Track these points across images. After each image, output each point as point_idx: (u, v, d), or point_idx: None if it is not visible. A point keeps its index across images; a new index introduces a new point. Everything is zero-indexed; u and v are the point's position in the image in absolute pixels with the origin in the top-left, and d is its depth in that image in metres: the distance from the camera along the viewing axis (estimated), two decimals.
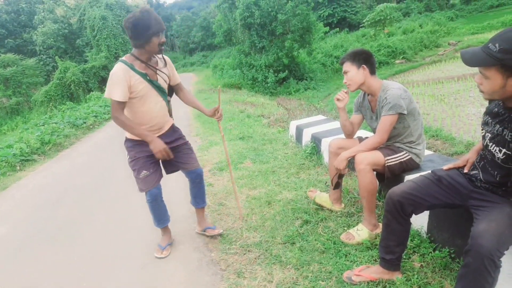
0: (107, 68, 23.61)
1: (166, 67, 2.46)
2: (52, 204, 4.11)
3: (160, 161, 2.54)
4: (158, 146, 2.28)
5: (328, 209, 2.89)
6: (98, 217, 3.54)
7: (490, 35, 20.23)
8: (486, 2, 36.53)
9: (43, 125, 9.48)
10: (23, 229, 3.52)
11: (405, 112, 2.31)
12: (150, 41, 2.18)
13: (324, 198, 2.94)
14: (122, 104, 2.23)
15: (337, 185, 2.75)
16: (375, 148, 2.42)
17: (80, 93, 21.43)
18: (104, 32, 24.01)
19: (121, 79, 2.17)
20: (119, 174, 4.90)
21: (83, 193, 4.34)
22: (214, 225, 2.86)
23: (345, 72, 2.51)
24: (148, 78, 2.28)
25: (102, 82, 22.91)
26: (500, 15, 26.48)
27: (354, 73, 2.46)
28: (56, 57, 23.78)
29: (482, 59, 1.43)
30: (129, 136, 2.44)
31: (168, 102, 2.53)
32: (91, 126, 9.66)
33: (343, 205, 2.90)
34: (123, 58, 2.27)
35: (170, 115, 2.61)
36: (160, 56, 2.42)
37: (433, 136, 5.05)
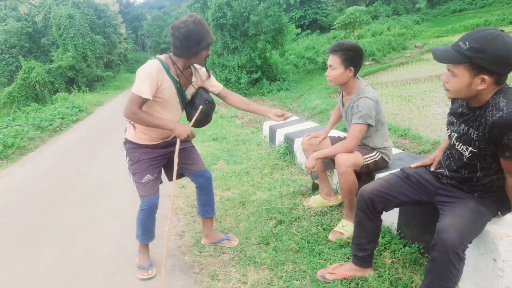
0: (74, 68, 22.81)
1: (197, 78, 2.28)
2: (16, 209, 3.91)
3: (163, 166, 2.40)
4: (184, 130, 2.04)
5: (328, 206, 2.91)
6: (65, 223, 3.40)
7: (453, 38, 21.16)
8: (450, 6, 38.25)
9: (6, 127, 8.98)
10: None
11: (373, 124, 2.36)
12: (198, 55, 2.04)
13: (317, 200, 2.96)
14: (143, 101, 1.98)
15: (316, 187, 2.79)
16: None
17: (45, 94, 20.56)
18: (71, 31, 23.14)
19: (153, 76, 1.97)
20: (87, 178, 4.74)
21: (49, 198, 4.16)
22: (227, 234, 2.64)
23: (330, 66, 2.43)
24: (178, 86, 2.12)
25: (69, 82, 22.11)
26: (462, 19, 27.76)
27: (339, 73, 2.41)
28: (20, 56, 22.66)
29: (452, 56, 1.47)
30: (131, 138, 2.25)
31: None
32: (57, 129, 9.29)
33: (338, 196, 2.93)
34: (160, 57, 2.09)
35: None
36: (203, 68, 2.28)
37: (402, 136, 5.19)
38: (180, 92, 2.16)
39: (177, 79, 2.11)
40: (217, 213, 3.07)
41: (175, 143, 2.22)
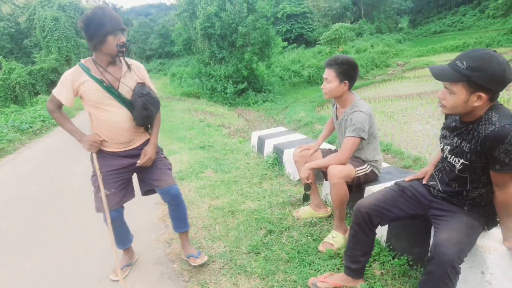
0: (57, 71, 22.45)
1: (131, 73, 2.16)
2: None
3: (138, 179, 2.36)
4: (85, 141, 2.09)
5: (318, 218, 2.91)
6: (47, 228, 3.30)
7: (433, 57, 21.91)
8: (430, 27, 39.77)
9: None
10: None
11: (366, 137, 2.42)
12: (105, 41, 1.96)
13: (306, 211, 2.97)
14: (58, 101, 2.08)
15: (307, 198, 2.81)
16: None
17: (25, 96, 20.11)
18: (55, 34, 22.79)
19: (67, 82, 2.03)
20: (70, 181, 4.63)
21: (29, 202, 4.03)
22: (199, 251, 2.49)
23: (326, 79, 2.51)
24: (104, 85, 2.05)
25: (51, 85, 21.69)
26: (442, 40, 28.90)
27: (334, 86, 2.48)
28: (0, 57, 22.15)
29: (451, 75, 1.54)
30: None
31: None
32: (38, 131, 9.06)
33: (328, 208, 2.95)
34: (82, 61, 2.10)
35: (146, 129, 2.32)
36: (122, 59, 2.17)
37: (384, 151, 5.30)
38: (111, 91, 2.07)
39: (99, 78, 2.05)
40: (206, 221, 3.05)
41: (139, 155, 2.21)
